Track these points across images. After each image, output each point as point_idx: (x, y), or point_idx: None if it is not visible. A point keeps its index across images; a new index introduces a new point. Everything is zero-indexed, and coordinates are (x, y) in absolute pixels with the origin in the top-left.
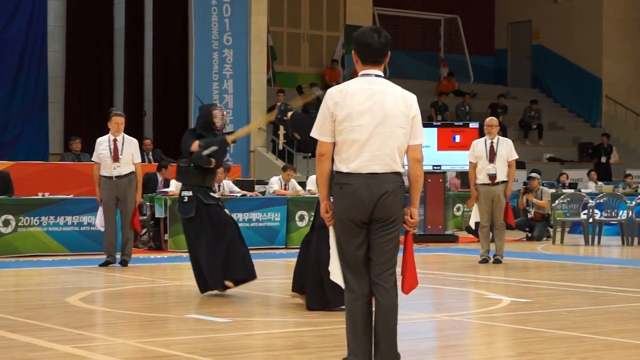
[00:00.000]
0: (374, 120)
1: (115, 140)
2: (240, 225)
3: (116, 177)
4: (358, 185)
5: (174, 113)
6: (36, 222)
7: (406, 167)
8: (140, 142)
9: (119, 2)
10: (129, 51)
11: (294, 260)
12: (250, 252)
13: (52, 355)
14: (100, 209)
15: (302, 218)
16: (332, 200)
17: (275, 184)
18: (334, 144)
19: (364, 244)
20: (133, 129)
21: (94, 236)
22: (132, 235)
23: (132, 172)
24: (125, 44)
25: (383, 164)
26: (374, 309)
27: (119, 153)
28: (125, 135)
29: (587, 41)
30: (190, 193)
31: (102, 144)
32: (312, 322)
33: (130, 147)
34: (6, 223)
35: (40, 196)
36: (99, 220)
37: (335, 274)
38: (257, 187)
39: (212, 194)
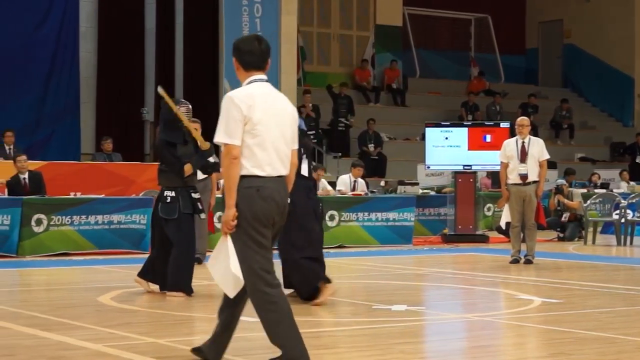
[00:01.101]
0: (279, 123)
1: None
2: None
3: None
4: (274, 188)
5: (204, 113)
6: (68, 221)
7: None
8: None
9: (150, 2)
10: (159, 51)
11: (325, 260)
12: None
13: (84, 354)
14: None
15: (332, 218)
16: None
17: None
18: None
19: (271, 243)
20: None
21: (125, 235)
22: (207, 236)
23: (207, 178)
24: (156, 44)
25: (286, 166)
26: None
27: None
28: None
29: (619, 40)
30: (173, 194)
31: None
32: (343, 321)
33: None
34: (38, 222)
35: (72, 196)
36: None
37: (227, 283)
38: None
39: (194, 194)
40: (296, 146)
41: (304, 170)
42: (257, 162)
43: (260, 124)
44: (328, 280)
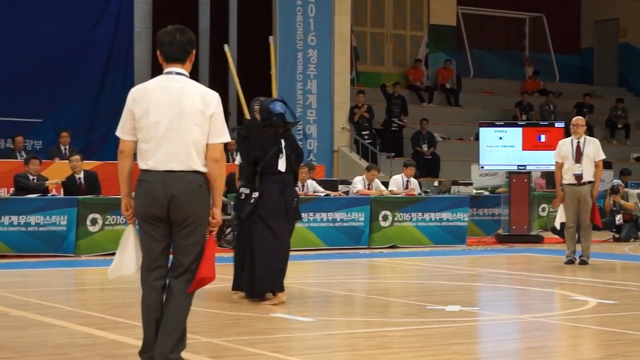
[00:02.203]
0: (169, 116)
1: None
2: (324, 225)
3: None
4: (154, 182)
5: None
6: (122, 220)
7: None
8: (225, 142)
9: (204, 2)
10: (213, 52)
11: (378, 260)
12: (334, 252)
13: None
14: None
15: (385, 218)
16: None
17: (359, 183)
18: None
19: (162, 240)
20: None
21: None
22: None
23: None
24: (210, 45)
25: (179, 161)
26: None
27: None
28: None
29: None
30: (248, 191)
31: None
32: (395, 322)
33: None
34: (94, 222)
35: None
36: None
37: (117, 268)
38: (340, 186)
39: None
40: (216, 140)
41: (280, 165)
42: (142, 156)
43: (144, 118)
44: (281, 289)
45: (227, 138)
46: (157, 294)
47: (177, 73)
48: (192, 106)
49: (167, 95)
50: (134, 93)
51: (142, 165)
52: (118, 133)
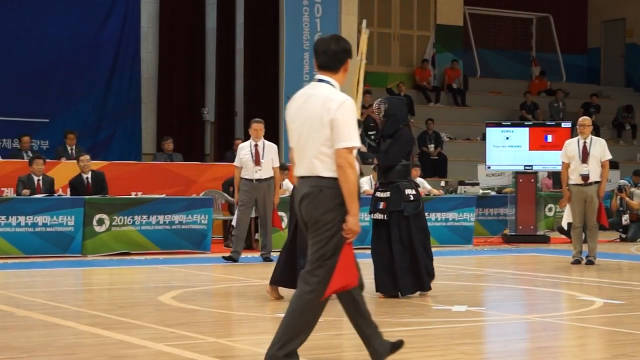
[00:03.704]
0: (300, 124)
1: (256, 145)
2: None
3: (257, 180)
4: (294, 189)
5: (264, 113)
6: (129, 221)
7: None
8: (232, 142)
9: (211, 3)
10: (220, 52)
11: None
12: None
13: (145, 353)
14: (237, 210)
15: None
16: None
17: (365, 184)
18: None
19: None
20: (224, 128)
21: (186, 235)
22: (271, 233)
23: (272, 177)
24: (217, 45)
25: (305, 167)
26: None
27: (260, 157)
28: (266, 141)
29: None
30: (414, 191)
31: (244, 149)
32: (403, 322)
33: (270, 152)
34: (100, 222)
35: (133, 195)
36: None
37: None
38: None
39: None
40: (340, 145)
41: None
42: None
43: (289, 126)
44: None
45: (352, 143)
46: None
47: (321, 80)
48: (314, 113)
49: (301, 103)
50: (289, 102)
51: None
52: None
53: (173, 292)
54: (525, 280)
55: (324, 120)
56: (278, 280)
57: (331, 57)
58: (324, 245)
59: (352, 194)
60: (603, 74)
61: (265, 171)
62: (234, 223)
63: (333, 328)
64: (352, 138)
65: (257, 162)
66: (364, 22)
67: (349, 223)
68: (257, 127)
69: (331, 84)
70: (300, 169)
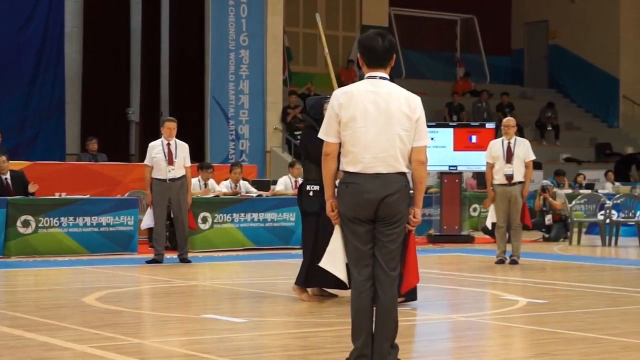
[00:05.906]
0: (377, 122)
1: (169, 144)
2: (255, 225)
3: (170, 179)
4: (364, 185)
5: (190, 113)
6: (56, 222)
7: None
8: None
9: (136, 2)
10: (145, 52)
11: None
12: (265, 252)
13: (69, 355)
14: (149, 210)
15: None
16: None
17: (281, 184)
18: (340, 144)
19: (369, 241)
20: (149, 129)
21: (113, 237)
22: (188, 234)
23: (184, 176)
24: (142, 45)
25: (387, 165)
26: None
27: (173, 157)
28: (177, 140)
29: (604, 41)
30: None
31: (156, 148)
32: (328, 322)
33: (182, 151)
34: (26, 223)
35: (57, 196)
36: (148, 221)
37: (338, 269)
38: (272, 187)
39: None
40: (421, 143)
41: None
42: (349, 159)
43: (352, 122)
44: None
45: (429, 140)
46: (367, 294)
47: (381, 77)
48: (399, 111)
49: (374, 100)
50: (340, 97)
51: (349, 168)
52: (322, 135)
53: (98, 294)
54: (450, 280)
55: (412, 118)
56: (310, 280)
57: (381, 54)
58: (399, 237)
59: (424, 188)
60: (526, 75)
61: (178, 170)
62: (144, 223)
63: (259, 329)
64: (428, 136)
65: (170, 161)
66: (317, 15)
67: (418, 215)
68: (171, 125)
69: (390, 80)
70: (377, 166)
